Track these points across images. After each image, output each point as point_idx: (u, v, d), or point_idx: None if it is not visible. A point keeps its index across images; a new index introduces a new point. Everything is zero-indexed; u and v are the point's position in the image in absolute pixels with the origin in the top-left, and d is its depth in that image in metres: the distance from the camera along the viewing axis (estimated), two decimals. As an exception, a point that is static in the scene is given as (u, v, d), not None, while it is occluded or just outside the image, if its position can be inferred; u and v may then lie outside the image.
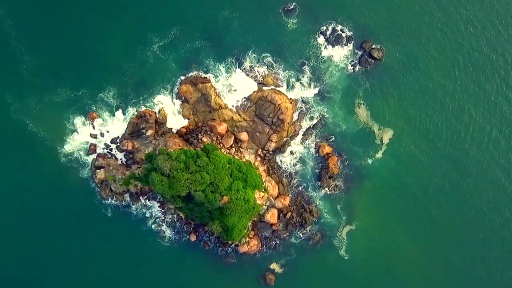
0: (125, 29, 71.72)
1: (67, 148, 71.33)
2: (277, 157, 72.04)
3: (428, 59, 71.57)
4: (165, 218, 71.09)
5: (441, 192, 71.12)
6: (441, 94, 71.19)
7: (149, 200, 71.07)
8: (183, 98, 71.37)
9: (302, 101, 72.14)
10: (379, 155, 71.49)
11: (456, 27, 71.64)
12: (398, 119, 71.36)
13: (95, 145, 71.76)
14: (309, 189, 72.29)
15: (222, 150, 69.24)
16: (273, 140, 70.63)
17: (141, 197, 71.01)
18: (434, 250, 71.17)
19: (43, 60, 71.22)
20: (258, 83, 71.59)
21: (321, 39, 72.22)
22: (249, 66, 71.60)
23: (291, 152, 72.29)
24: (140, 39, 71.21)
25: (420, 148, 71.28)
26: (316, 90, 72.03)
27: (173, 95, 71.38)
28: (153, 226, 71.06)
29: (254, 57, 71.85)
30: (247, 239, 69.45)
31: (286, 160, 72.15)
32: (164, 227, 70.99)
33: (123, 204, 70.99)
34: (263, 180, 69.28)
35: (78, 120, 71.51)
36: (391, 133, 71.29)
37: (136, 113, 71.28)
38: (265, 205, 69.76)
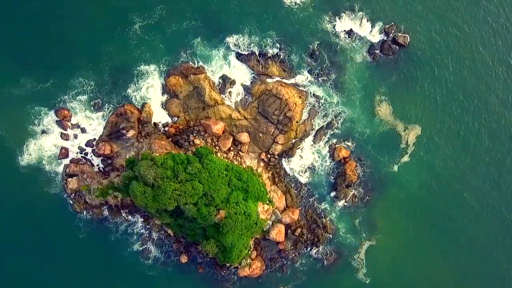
0: (102, 7, 68.57)
1: (32, 152, 67.70)
2: (284, 162, 69.51)
3: (462, 45, 68.65)
4: (150, 235, 68.14)
5: (481, 202, 67.47)
6: (476, 86, 68.31)
7: (131, 215, 67.97)
8: (171, 92, 68.88)
9: (314, 95, 69.62)
10: (404, 158, 68.20)
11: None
12: (426, 116, 68.34)
13: (66, 149, 68.45)
14: (322, 201, 69.26)
15: (218, 154, 67.00)
16: (279, 142, 68.28)
17: (122, 211, 67.59)
18: (470, 273, 67.41)
19: (2, 44, 67.47)
20: (261, 74, 69.29)
21: (336, 22, 69.75)
22: (250, 53, 69.10)
23: (301, 156, 69.57)
24: (120, 20, 67.90)
25: (452, 149, 67.81)
26: (330, 83, 69.47)
27: (160, 88, 68.79)
28: (136, 246, 67.66)
29: (256, 42, 69.01)
30: (248, 261, 66.55)
31: (294, 166, 69.49)
32: (149, 246, 67.93)
33: (101, 219, 67.64)
34: (268, 190, 67.13)
35: (46, 118, 67.95)
36: (418, 131, 68.18)
37: (115, 110, 68.35)
38: (270, 220, 67.45)
